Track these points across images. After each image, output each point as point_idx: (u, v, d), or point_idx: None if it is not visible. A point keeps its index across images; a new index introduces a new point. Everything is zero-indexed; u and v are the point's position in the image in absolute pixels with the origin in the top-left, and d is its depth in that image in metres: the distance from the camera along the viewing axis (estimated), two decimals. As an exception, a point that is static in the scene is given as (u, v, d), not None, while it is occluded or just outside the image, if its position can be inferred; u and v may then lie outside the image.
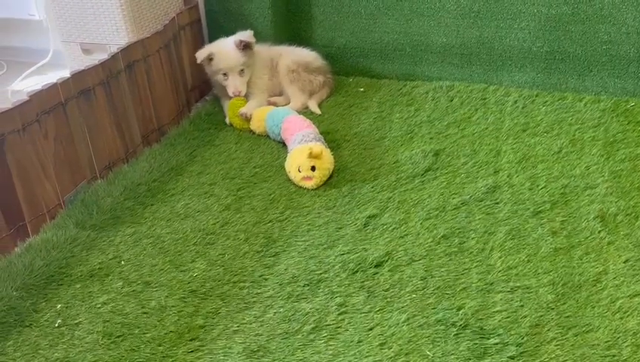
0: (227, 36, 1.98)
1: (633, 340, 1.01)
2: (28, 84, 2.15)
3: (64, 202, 1.43)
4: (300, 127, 1.62)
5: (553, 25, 1.83)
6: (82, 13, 1.82)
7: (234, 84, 1.81)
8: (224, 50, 1.81)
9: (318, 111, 1.88)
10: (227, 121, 1.84)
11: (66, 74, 1.46)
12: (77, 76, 1.44)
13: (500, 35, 1.89)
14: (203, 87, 2.06)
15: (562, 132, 1.66)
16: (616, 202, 1.35)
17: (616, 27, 1.77)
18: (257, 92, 1.88)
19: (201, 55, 1.81)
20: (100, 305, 1.15)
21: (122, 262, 1.26)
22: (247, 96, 1.85)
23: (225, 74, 1.82)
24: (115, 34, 1.81)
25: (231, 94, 1.82)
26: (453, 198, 1.41)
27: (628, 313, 1.06)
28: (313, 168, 1.48)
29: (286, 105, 1.88)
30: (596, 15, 1.78)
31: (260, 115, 1.74)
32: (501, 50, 1.91)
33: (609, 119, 1.71)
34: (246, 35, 1.81)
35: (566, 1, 1.79)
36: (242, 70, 1.82)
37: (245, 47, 1.81)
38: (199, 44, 2.07)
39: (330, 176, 1.52)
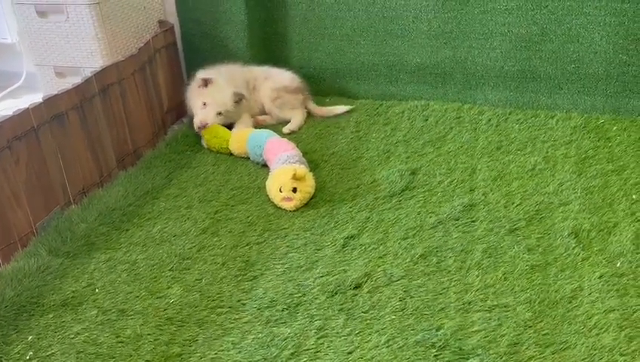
0: (204, 58, 2.00)
1: (609, 356, 1.02)
2: (0, 107, 2.12)
3: (37, 229, 1.40)
4: (285, 148, 1.62)
5: (524, 45, 1.87)
6: (56, 36, 1.81)
7: (205, 115, 1.79)
8: (222, 89, 1.81)
9: (343, 109, 1.98)
10: (203, 143, 1.83)
11: (39, 97, 1.44)
12: (49, 101, 1.42)
13: (473, 54, 1.93)
14: (179, 108, 2.05)
15: (535, 149, 1.69)
16: (589, 218, 1.37)
17: (584, 46, 1.82)
18: (242, 116, 1.88)
19: (203, 74, 1.82)
20: (73, 336, 1.12)
21: (96, 290, 1.24)
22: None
23: (205, 104, 1.80)
24: (89, 57, 1.80)
25: (197, 122, 1.79)
26: (431, 217, 1.42)
27: (603, 329, 1.07)
28: (295, 190, 1.48)
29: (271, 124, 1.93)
30: (565, 35, 1.83)
31: (241, 137, 1.74)
32: (474, 70, 1.95)
33: (580, 136, 1.74)
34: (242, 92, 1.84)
35: (535, 22, 1.83)
36: (220, 113, 1.81)
37: (238, 100, 1.82)
38: (175, 66, 2.07)
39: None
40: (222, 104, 1.80)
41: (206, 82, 1.80)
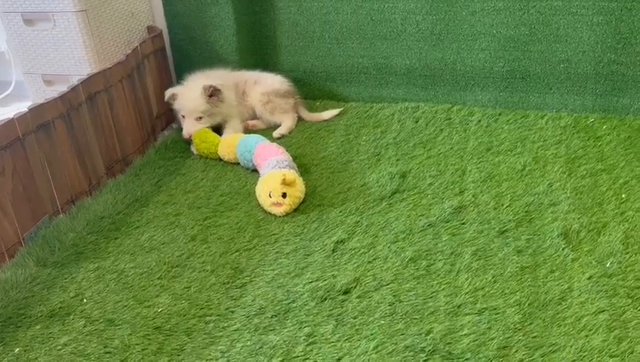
0: (193, 63, 2.00)
1: (599, 358, 1.01)
2: (-11, 116, 2.10)
3: (24, 239, 1.39)
4: (275, 153, 1.62)
5: (512, 45, 1.87)
6: (43, 44, 1.80)
7: (186, 128, 1.81)
8: (189, 94, 1.81)
9: (333, 113, 1.98)
10: (192, 149, 1.83)
11: (27, 105, 1.43)
12: (35, 110, 1.41)
13: (462, 56, 1.93)
14: (169, 114, 2.05)
15: (525, 150, 1.69)
16: (578, 218, 1.37)
17: (572, 46, 1.82)
18: (231, 119, 1.88)
19: (168, 92, 1.84)
20: (60, 347, 1.11)
21: (84, 300, 1.23)
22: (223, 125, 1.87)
23: (183, 116, 1.82)
24: (77, 65, 1.80)
25: (184, 135, 1.81)
26: (420, 220, 1.42)
27: (593, 330, 1.07)
28: (284, 195, 1.47)
29: (263, 128, 1.94)
30: (553, 35, 1.83)
31: (231, 142, 1.73)
32: (463, 71, 1.95)
33: (570, 136, 1.74)
34: (217, 79, 1.81)
35: (523, 22, 1.83)
36: (201, 117, 1.81)
37: (213, 93, 1.80)
38: (164, 72, 2.06)
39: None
40: (194, 109, 1.80)
41: (172, 98, 1.83)
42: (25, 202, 1.39)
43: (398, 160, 1.69)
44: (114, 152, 1.72)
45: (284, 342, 1.09)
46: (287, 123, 1.92)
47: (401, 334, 1.09)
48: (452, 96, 1.99)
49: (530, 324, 1.09)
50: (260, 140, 1.70)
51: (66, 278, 1.29)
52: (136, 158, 1.80)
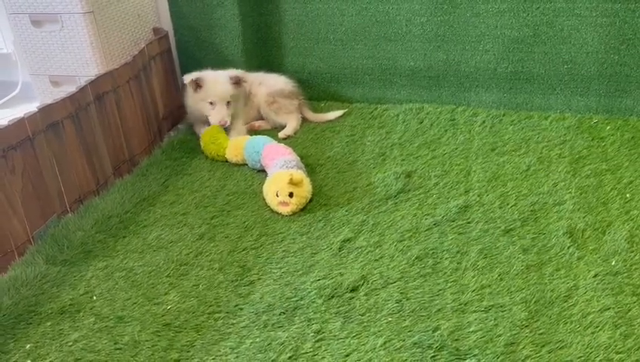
0: (199, 65, 2.01)
1: (605, 355, 1.02)
2: (-4, 117, 2.12)
3: (33, 238, 1.40)
4: (283, 153, 1.63)
5: (516, 46, 1.88)
6: (51, 45, 1.81)
7: (221, 114, 1.82)
8: (216, 80, 1.83)
9: (337, 114, 2.00)
10: (199, 132, 1.85)
11: (35, 106, 1.44)
12: (45, 110, 1.43)
13: (466, 57, 1.94)
14: (175, 115, 2.06)
15: (530, 150, 1.70)
16: (583, 217, 1.38)
17: (576, 47, 1.84)
18: (235, 121, 1.90)
19: (189, 77, 1.82)
20: (71, 343, 1.12)
21: (94, 297, 1.24)
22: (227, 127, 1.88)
23: (212, 103, 1.82)
24: (84, 66, 1.81)
25: (216, 123, 1.82)
26: (426, 219, 1.43)
27: (599, 327, 1.08)
28: (291, 195, 1.48)
29: (270, 129, 1.96)
30: (557, 36, 1.84)
31: (238, 144, 1.74)
32: (468, 72, 1.96)
33: (574, 136, 1.75)
34: (238, 72, 1.86)
35: (527, 24, 1.85)
36: (229, 102, 1.84)
37: (237, 82, 1.84)
38: (170, 73, 2.08)
39: (305, 202, 1.53)
40: (226, 93, 1.82)
41: (198, 84, 1.82)
42: (34, 201, 1.40)
43: (403, 160, 1.71)
44: (121, 152, 1.74)
45: (293, 338, 1.10)
46: (292, 124, 1.93)
47: (409, 331, 1.10)
48: (456, 97, 2.00)
49: (536, 321, 1.10)
50: (267, 141, 1.71)
51: (75, 276, 1.30)
52: (142, 158, 1.81)
